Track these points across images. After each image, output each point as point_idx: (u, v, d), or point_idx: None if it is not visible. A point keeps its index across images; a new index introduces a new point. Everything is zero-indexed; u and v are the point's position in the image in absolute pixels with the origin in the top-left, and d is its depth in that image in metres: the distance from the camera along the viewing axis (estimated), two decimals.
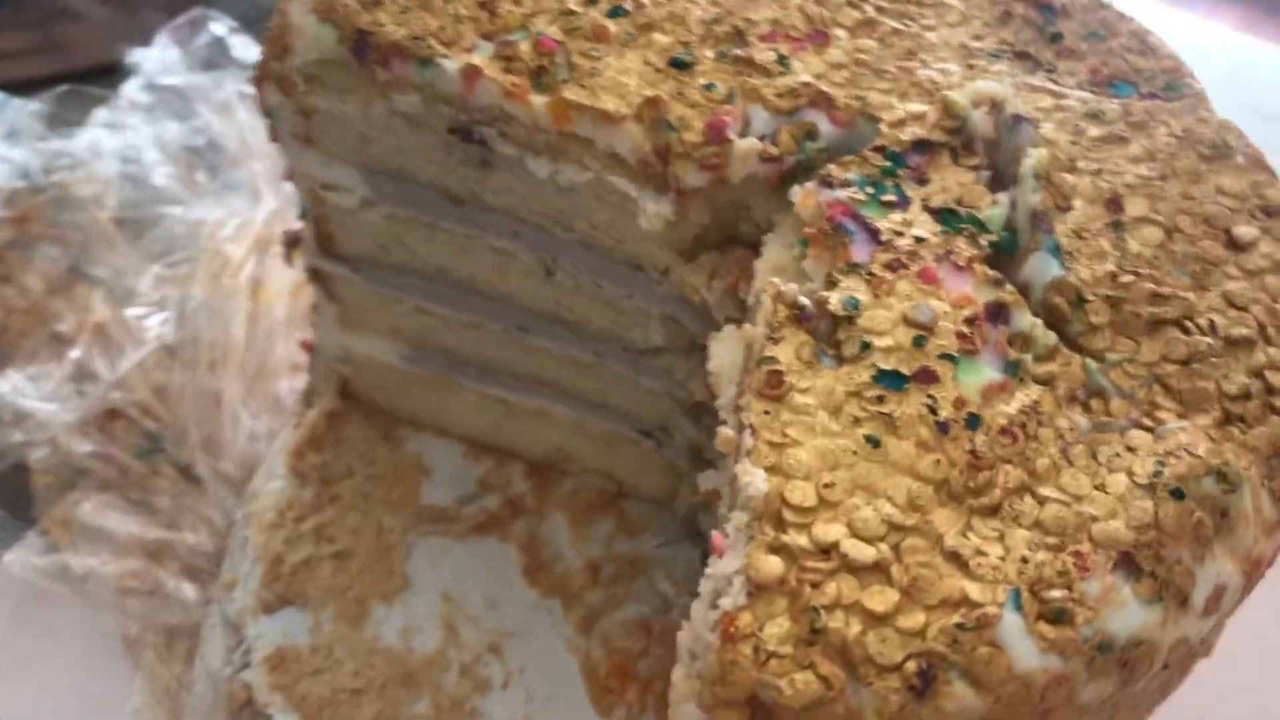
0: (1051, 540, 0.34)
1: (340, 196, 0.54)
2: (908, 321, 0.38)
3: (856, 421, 0.36)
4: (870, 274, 0.39)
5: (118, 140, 0.81)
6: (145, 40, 0.84)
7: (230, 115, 0.78)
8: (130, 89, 0.83)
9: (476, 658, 0.59)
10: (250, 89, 0.79)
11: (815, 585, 0.33)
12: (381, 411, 0.66)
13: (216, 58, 0.82)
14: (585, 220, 0.50)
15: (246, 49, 0.83)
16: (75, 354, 0.67)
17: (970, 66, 0.47)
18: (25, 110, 0.80)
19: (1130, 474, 0.36)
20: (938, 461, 0.35)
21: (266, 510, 0.62)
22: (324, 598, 0.60)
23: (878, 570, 0.33)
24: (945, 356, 0.37)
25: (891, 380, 0.37)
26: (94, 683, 0.59)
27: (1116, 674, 0.33)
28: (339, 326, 0.62)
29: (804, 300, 0.39)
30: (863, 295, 0.39)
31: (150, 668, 0.59)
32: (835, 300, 0.39)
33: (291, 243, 0.59)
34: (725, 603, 0.33)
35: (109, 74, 0.85)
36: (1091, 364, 0.38)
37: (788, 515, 0.34)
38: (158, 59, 0.83)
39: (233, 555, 0.61)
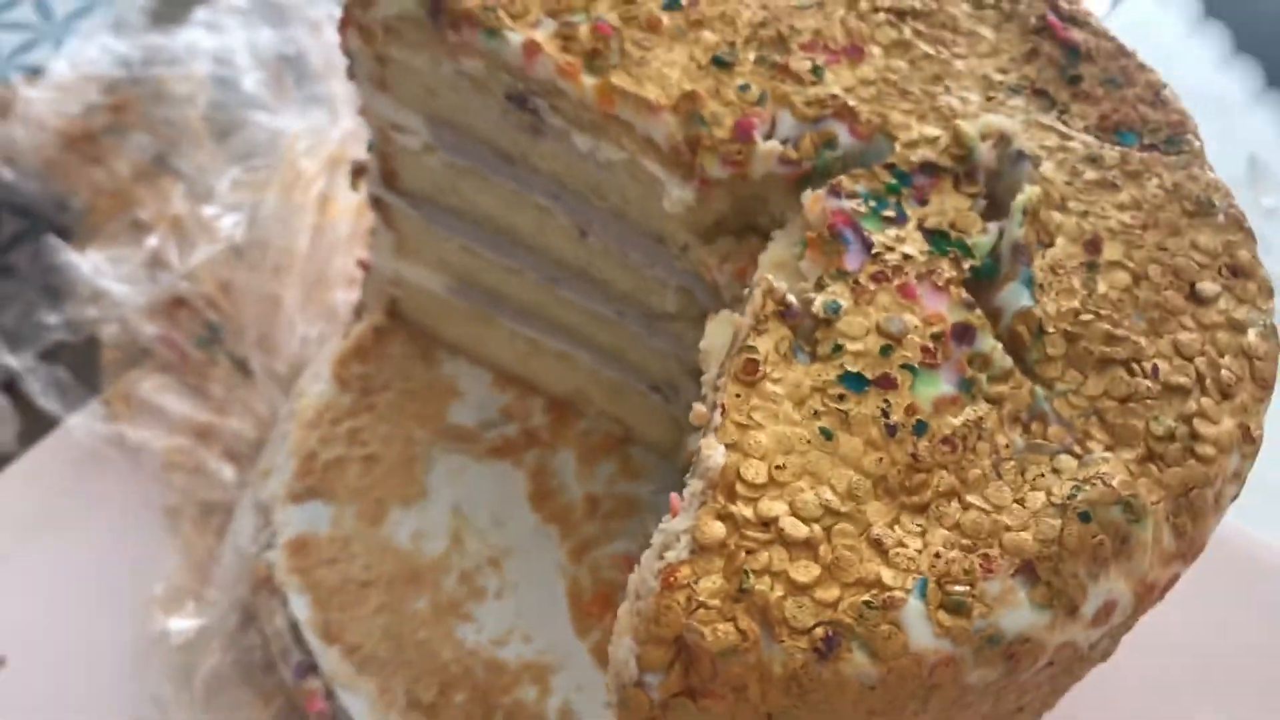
0: (965, 542, 0.39)
1: (406, 138, 0.59)
2: (880, 331, 0.43)
3: (816, 414, 0.41)
4: (856, 282, 0.44)
5: (214, 41, 0.87)
6: None
7: (319, 34, 0.84)
8: None
9: (476, 568, 0.65)
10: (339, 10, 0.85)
11: (750, 552, 0.38)
12: (424, 333, 0.72)
13: None
14: (618, 194, 0.55)
15: None
16: (152, 242, 0.74)
17: (989, 98, 0.51)
18: (133, 4, 0.86)
19: (1049, 493, 0.40)
20: (880, 459, 0.40)
21: (308, 409, 0.68)
22: (348, 495, 0.66)
23: (807, 546, 0.38)
24: (907, 366, 0.42)
25: (854, 381, 0.42)
26: (135, 544, 0.66)
27: (1002, 664, 0.38)
28: (394, 252, 0.67)
29: (791, 298, 0.44)
30: (845, 301, 0.43)
31: (186, 537, 0.66)
32: (819, 303, 0.43)
33: (358, 171, 0.64)
34: (671, 555, 0.38)
35: None
36: (1040, 390, 0.43)
37: (740, 489, 0.39)
38: None
39: (272, 446, 0.68)
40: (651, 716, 0.38)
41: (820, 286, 0.44)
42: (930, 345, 0.43)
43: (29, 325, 0.72)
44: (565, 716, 0.61)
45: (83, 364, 0.71)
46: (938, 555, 0.39)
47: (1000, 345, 0.44)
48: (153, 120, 0.82)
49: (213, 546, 0.65)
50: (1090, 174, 0.49)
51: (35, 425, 0.70)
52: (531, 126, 0.54)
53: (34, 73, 0.81)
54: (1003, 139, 0.49)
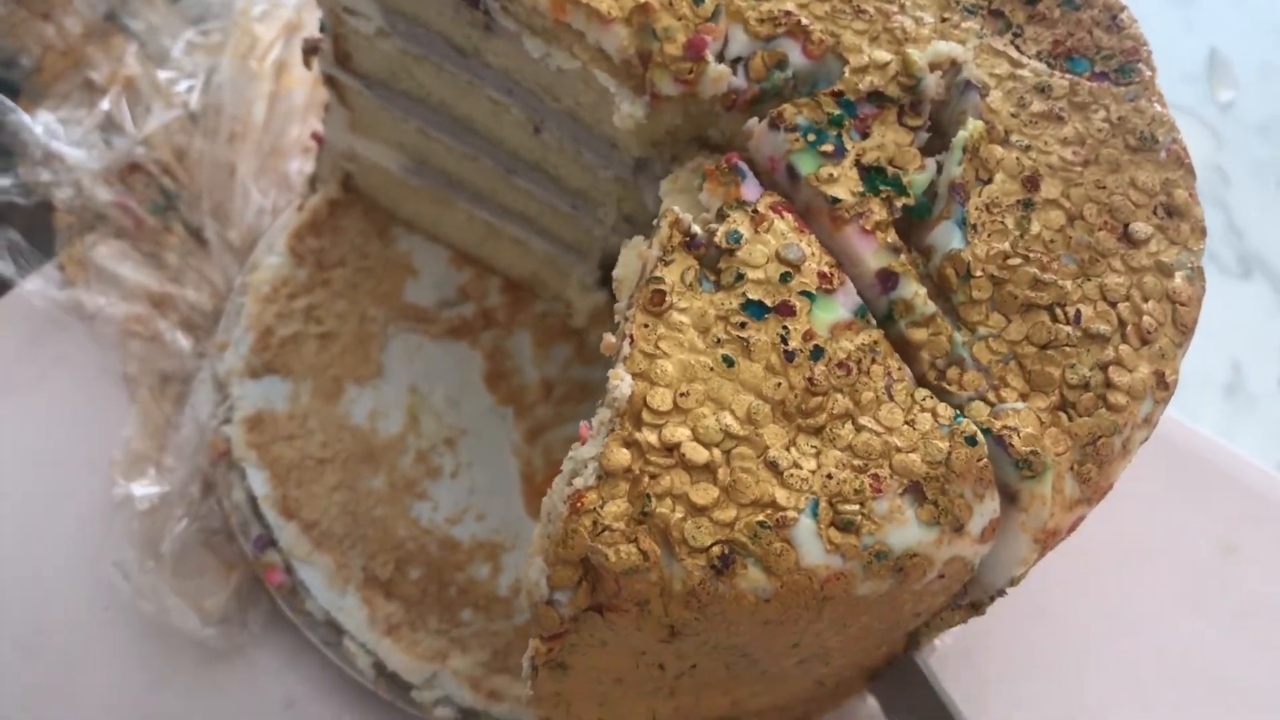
0: (857, 463, 0.45)
1: (359, 22, 0.63)
2: (779, 258, 0.48)
3: (719, 342, 0.46)
4: (755, 212, 0.49)
5: None
6: None
7: None
8: None
9: (432, 447, 0.72)
10: None
11: (653, 477, 0.44)
12: (379, 209, 0.77)
13: None
14: (571, 98, 0.59)
15: None
16: (105, 105, 0.78)
17: (944, 20, 0.54)
18: None
19: (935, 415, 0.46)
20: (779, 384, 0.45)
21: (263, 284, 0.74)
22: (305, 372, 0.72)
23: (707, 470, 0.44)
24: (805, 293, 0.47)
25: (755, 309, 0.47)
26: (94, 409, 0.72)
27: (891, 577, 0.44)
28: (348, 129, 0.72)
29: (696, 229, 0.48)
30: (745, 230, 0.48)
31: (144, 404, 0.72)
32: (721, 232, 0.48)
33: (310, 50, 0.68)
34: (579, 482, 0.44)
35: None
36: (959, 336, 0.48)
37: (646, 416, 0.44)
38: None
39: (228, 319, 0.74)
40: (562, 630, 0.45)
41: (721, 216, 0.49)
42: (827, 271, 0.48)
43: None
44: (516, 593, 0.68)
45: (36, 227, 0.75)
46: (830, 476, 0.45)
47: (924, 291, 0.48)
48: None
49: (170, 415, 0.71)
50: (1037, 105, 0.53)
51: None
52: (484, 24, 0.57)
53: None
54: (953, 65, 0.53)
